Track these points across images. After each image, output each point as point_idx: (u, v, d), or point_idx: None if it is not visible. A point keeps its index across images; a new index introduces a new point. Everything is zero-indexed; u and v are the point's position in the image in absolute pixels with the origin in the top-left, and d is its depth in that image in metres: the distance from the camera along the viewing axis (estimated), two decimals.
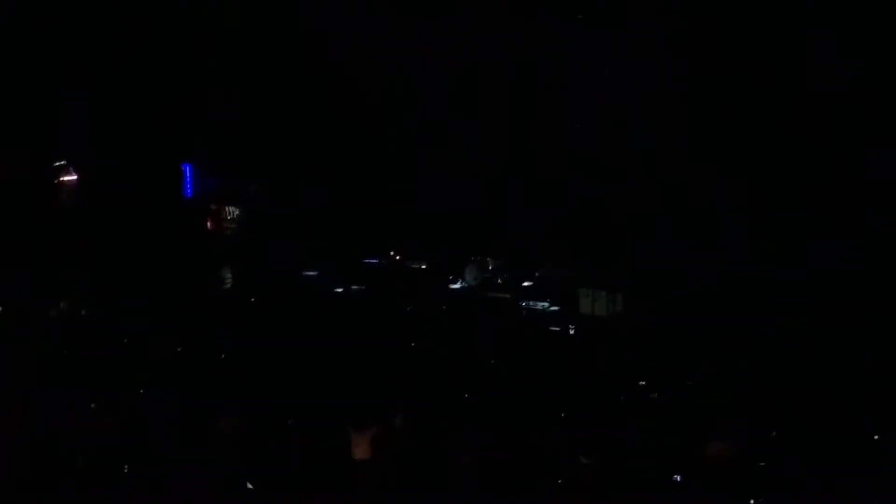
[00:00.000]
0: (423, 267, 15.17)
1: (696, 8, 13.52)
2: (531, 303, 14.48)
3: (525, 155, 15.03)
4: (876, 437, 8.10)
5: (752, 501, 7.36)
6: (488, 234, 15.27)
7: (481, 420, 9.04)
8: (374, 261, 15.44)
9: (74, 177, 14.79)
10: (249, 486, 7.82)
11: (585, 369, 11.32)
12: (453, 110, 15.35)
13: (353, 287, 15.21)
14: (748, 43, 13.29)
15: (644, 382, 10.56)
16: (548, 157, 14.87)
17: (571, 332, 13.42)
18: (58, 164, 14.68)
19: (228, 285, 15.05)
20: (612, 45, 14.13)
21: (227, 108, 15.43)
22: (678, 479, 7.70)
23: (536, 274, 14.94)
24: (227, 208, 15.80)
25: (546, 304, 14.37)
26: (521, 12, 14.42)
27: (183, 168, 16.10)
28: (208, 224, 15.75)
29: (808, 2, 12.98)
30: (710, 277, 13.10)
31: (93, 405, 8.53)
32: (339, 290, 15.18)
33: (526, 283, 14.86)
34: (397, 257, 15.37)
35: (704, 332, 11.98)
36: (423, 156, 15.35)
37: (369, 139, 15.66)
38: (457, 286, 15.09)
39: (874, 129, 12.64)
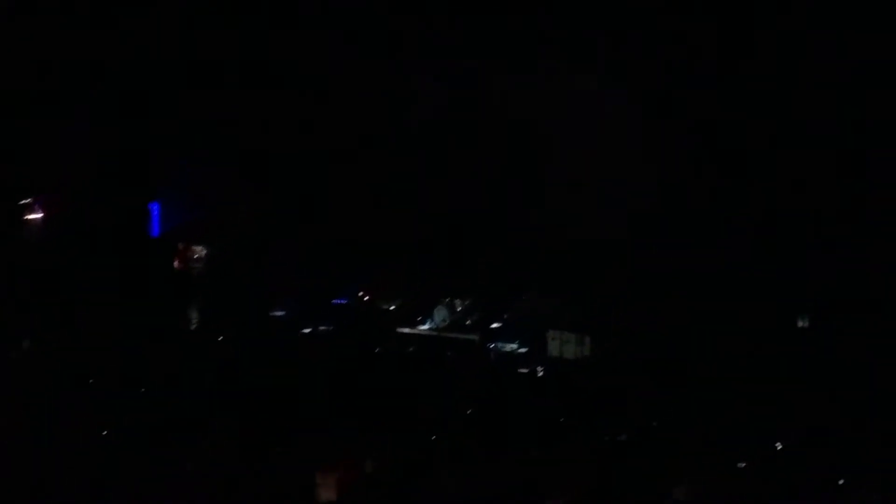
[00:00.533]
0: (392, 308, 15.13)
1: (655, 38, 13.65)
2: (500, 344, 14.46)
3: (494, 196, 15.11)
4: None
5: None
6: (457, 276, 15.29)
7: (450, 462, 9.01)
8: (342, 301, 15.39)
9: (40, 214, 14.65)
10: None
11: (553, 411, 11.31)
12: (423, 149, 15.42)
13: (321, 328, 15.14)
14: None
15: (610, 423, 10.57)
16: (517, 199, 14.96)
17: (540, 374, 13.39)
18: (23, 202, 14.55)
19: (195, 325, 14.92)
20: (576, 78, 14.29)
21: (196, 147, 15.41)
22: None
23: (505, 315, 14.94)
24: (194, 247, 15.68)
25: (515, 346, 14.36)
26: (468, 47, 14.53)
27: (150, 207, 16.00)
28: (175, 263, 15.62)
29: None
30: (679, 319, 13.21)
31: None
32: (307, 330, 15.10)
33: (495, 325, 14.85)
34: (366, 298, 15.31)
35: (674, 374, 12.04)
36: (390, 198, 15.39)
37: (339, 182, 15.67)
38: (425, 327, 15.05)
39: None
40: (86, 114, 14.64)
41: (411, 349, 14.68)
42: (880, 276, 12.49)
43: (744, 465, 9.25)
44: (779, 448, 9.61)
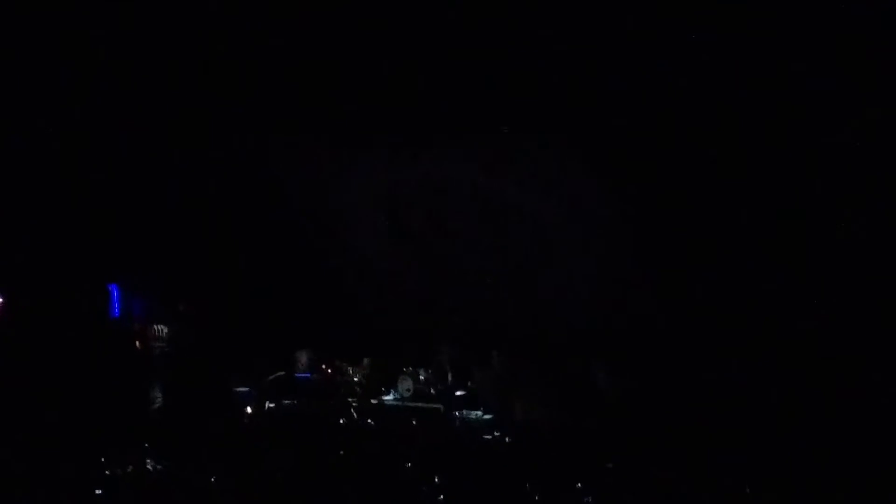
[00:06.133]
0: (356, 380, 15.18)
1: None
2: (464, 412, 14.54)
3: (454, 269, 15.30)
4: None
5: None
6: (419, 347, 15.39)
7: None
8: (305, 375, 15.42)
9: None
10: None
11: (522, 476, 11.36)
12: (377, 226, 15.63)
13: (285, 402, 15.14)
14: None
15: (580, 485, 10.66)
16: (479, 271, 15.17)
17: (507, 440, 13.47)
18: None
19: (158, 405, 14.85)
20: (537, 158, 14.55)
21: (153, 229, 15.46)
22: None
23: (469, 384, 15.04)
24: (155, 327, 15.67)
25: (479, 413, 14.44)
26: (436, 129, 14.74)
27: (110, 288, 16.00)
28: (136, 343, 15.58)
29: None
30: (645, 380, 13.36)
31: None
32: (272, 405, 15.09)
33: (459, 393, 14.94)
34: (329, 371, 15.35)
35: (645, 430, 12.15)
36: (354, 271, 15.53)
37: (298, 257, 15.79)
38: (390, 398, 15.11)
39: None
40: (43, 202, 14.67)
41: (376, 420, 14.71)
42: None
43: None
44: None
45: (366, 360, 15.39)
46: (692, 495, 10.09)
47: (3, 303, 14.80)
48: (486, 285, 15.10)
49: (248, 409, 14.82)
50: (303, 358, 15.49)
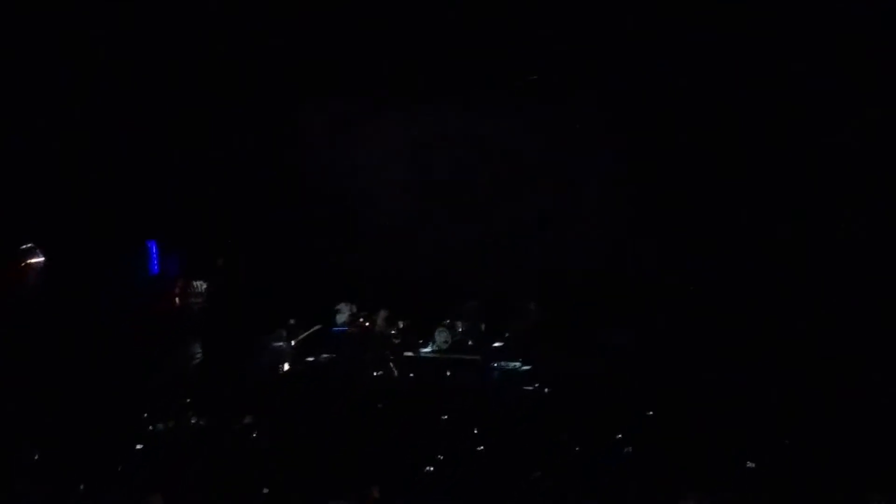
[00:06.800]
0: (393, 332, 15.17)
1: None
2: (502, 363, 14.50)
3: (488, 220, 15.27)
4: None
5: None
6: (457, 297, 15.37)
7: (456, 490, 9.05)
8: (342, 329, 15.44)
9: (42, 258, 14.73)
10: None
11: (558, 429, 11.33)
12: (410, 181, 15.61)
13: (323, 356, 15.19)
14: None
15: (620, 437, 10.62)
16: (512, 222, 15.12)
17: (546, 391, 13.43)
18: (24, 246, 14.62)
19: (198, 360, 14.98)
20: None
21: (191, 182, 15.53)
22: None
23: (507, 334, 15.00)
24: (194, 282, 15.76)
25: (518, 365, 14.39)
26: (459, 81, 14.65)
27: (149, 245, 16.10)
28: (176, 300, 15.70)
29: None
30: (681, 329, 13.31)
31: None
32: (311, 359, 15.15)
33: (497, 344, 14.90)
34: (366, 324, 15.35)
35: (678, 384, 12.11)
36: (388, 225, 15.53)
37: (335, 212, 15.81)
38: (427, 350, 15.10)
39: None
40: (82, 157, 14.76)
41: (415, 373, 14.74)
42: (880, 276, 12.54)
43: (752, 465, 9.28)
44: (783, 452, 9.64)
45: (403, 314, 15.36)
46: (724, 446, 10.02)
47: (44, 261, 14.95)
48: (521, 237, 15.07)
49: (286, 366, 14.87)
50: (341, 312, 15.50)
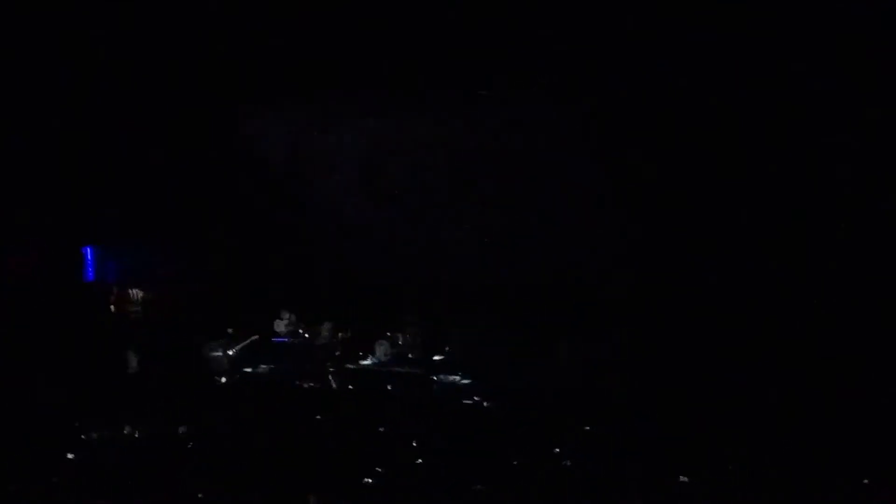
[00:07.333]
0: (334, 343, 15.08)
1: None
2: (443, 377, 14.46)
3: (434, 231, 15.20)
4: None
5: None
6: (398, 310, 15.29)
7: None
8: (283, 340, 15.31)
9: None
10: None
11: (498, 443, 11.31)
12: (354, 190, 15.53)
13: (262, 366, 15.03)
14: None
15: (558, 450, 10.61)
16: (456, 233, 15.07)
17: (485, 405, 13.40)
18: None
19: (133, 370, 14.73)
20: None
21: (128, 192, 15.32)
22: None
23: (447, 348, 14.95)
24: (131, 290, 15.54)
25: (458, 378, 14.36)
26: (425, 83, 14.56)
27: (84, 251, 15.87)
28: (112, 307, 15.47)
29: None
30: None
31: None
32: (248, 370, 14.99)
33: (437, 357, 14.85)
34: (306, 335, 15.24)
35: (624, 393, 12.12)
36: (332, 232, 15.42)
37: (277, 218, 15.67)
38: (367, 362, 15.01)
39: None
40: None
41: (354, 385, 14.63)
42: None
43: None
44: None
45: (344, 325, 15.26)
46: (673, 460, 10.03)
47: None
48: (465, 247, 15.02)
49: (223, 379, 14.69)
50: (280, 323, 15.37)
